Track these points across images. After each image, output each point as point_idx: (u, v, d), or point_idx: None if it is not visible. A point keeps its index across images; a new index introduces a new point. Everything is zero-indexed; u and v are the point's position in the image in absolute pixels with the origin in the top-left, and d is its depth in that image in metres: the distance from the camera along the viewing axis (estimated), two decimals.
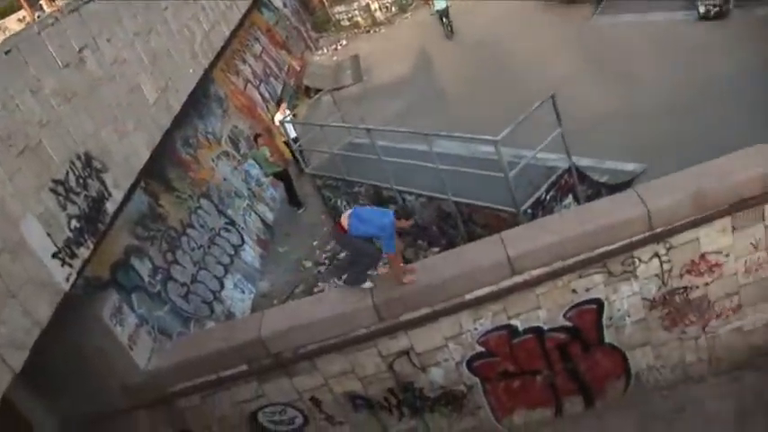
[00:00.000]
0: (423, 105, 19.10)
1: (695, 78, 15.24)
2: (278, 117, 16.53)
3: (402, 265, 8.74)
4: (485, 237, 9.09)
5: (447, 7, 23.80)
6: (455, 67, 21.43)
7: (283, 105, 17.20)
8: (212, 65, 17.63)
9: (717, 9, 18.02)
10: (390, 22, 28.40)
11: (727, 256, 8.36)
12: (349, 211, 8.59)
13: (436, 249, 12.24)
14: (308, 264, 14.17)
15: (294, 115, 19.12)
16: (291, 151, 16.41)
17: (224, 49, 19.08)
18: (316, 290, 12.92)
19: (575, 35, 20.28)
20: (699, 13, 18.34)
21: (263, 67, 22.45)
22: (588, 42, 19.48)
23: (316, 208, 15.66)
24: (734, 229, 8.21)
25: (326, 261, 13.89)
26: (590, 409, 9.38)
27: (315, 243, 14.82)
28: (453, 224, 11.71)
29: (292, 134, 15.57)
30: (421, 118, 17.01)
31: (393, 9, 28.71)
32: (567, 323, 8.61)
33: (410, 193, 12.22)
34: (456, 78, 20.50)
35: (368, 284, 8.76)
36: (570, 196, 10.79)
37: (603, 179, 11.74)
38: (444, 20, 23.94)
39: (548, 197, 10.49)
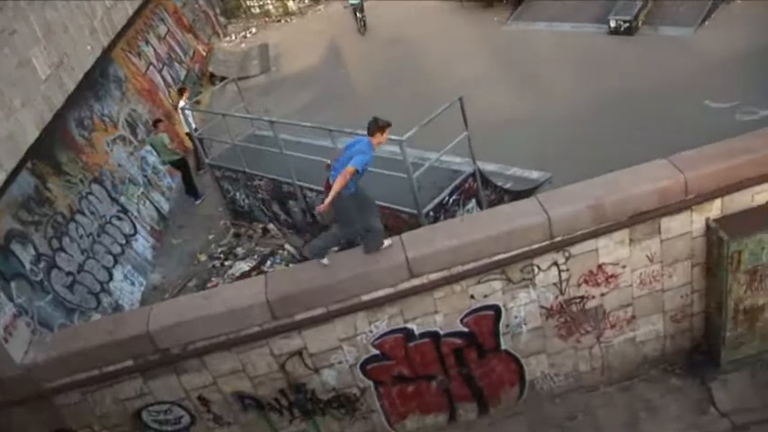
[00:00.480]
0: (330, 100, 18.97)
1: (602, 91, 15.73)
2: (181, 104, 16.08)
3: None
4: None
5: (361, 1, 23.69)
6: (366, 63, 21.40)
7: (187, 93, 16.71)
8: (113, 43, 17.00)
9: (627, 25, 18.68)
10: (303, 13, 28.09)
11: (624, 267, 8.63)
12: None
13: (335, 249, 12.13)
14: (203, 257, 13.82)
15: (197, 102, 18.64)
16: (192, 141, 16.03)
17: (126, 27, 18.41)
18: (209, 285, 12.59)
19: (488, 39, 20.60)
20: (609, 26, 18.97)
21: (167, 50, 21.77)
22: (501, 47, 19.83)
23: (214, 200, 15.31)
24: (631, 241, 8.46)
25: (222, 255, 13.58)
26: (484, 416, 9.48)
27: (211, 236, 14.48)
28: None
29: (192, 124, 15.21)
30: (327, 113, 16.88)
31: (306, 0, 28.42)
32: (464, 329, 8.66)
33: (311, 190, 12.10)
34: (366, 75, 20.48)
35: (325, 261, 8.50)
36: (473, 201, 10.89)
37: (507, 185, 11.92)
38: (358, 14, 23.83)
39: (450, 201, 10.56)
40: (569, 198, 8.39)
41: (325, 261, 8.49)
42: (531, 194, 10.08)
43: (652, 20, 19.02)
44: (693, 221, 8.52)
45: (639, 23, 18.84)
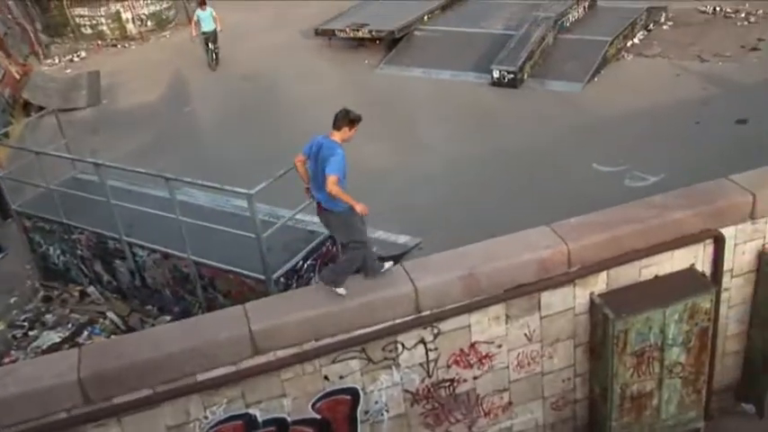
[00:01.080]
0: (171, 143, 18.69)
1: (483, 147, 16.28)
2: None
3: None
4: (227, 307, 8.89)
5: (215, 31, 23.51)
6: (216, 102, 21.30)
7: None
8: None
9: (511, 76, 19.56)
10: (144, 38, 27.72)
11: (500, 347, 8.79)
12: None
13: (168, 318, 11.83)
14: (1, 326, 13.07)
15: (5, 135, 17.90)
16: None
17: None
18: (6, 360, 11.88)
19: (358, 83, 21.01)
20: (492, 77, 19.78)
21: None
22: (372, 93, 20.22)
23: (20, 255, 14.60)
24: (508, 317, 8.65)
25: (26, 323, 12.90)
26: None
27: (12, 300, 13.72)
28: (191, 289, 11.40)
29: None
30: (167, 157, 16.61)
31: (149, 23, 28.08)
32: (316, 415, 8.52)
33: (142, 248, 11.81)
34: (215, 115, 20.37)
35: (341, 290, 8.32)
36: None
37: (372, 250, 11.95)
38: (210, 45, 23.67)
39: (305, 266, 10.52)
40: (440, 267, 8.53)
41: (341, 291, 8.32)
42: (397, 261, 10.19)
43: (538, 72, 20.04)
44: (576, 297, 8.82)
45: (525, 76, 19.77)
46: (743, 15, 22.24)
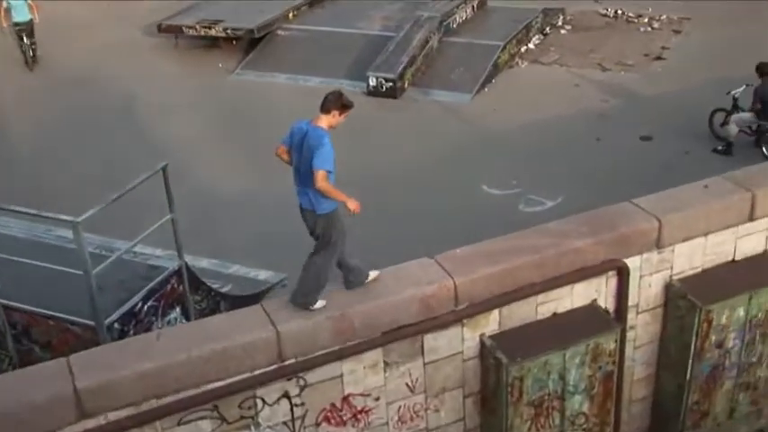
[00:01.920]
0: None
1: (358, 166, 16.23)
2: None
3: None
4: (46, 360, 8.62)
5: (31, 22, 22.85)
6: (33, 110, 20.72)
7: None
8: None
9: (390, 84, 19.75)
10: None
11: (377, 399, 8.77)
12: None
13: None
14: None
15: None
16: None
17: None
18: None
19: (210, 90, 20.83)
20: (368, 85, 19.92)
21: None
22: (226, 102, 20.10)
23: None
24: (386, 364, 8.65)
25: None
26: None
27: None
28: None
29: None
30: None
31: None
32: None
33: None
34: (33, 128, 19.81)
35: (320, 304, 8.34)
36: (178, 309, 10.67)
37: (225, 289, 11.88)
38: (25, 40, 22.96)
39: (145, 308, 10.23)
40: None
41: (318, 305, 8.36)
42: (257, 301, 10.07)
43: (421, 81, 20.34)
44: (465, 339, 8.89)
45: (406, 84, 20.01)
46: (646, 20, 23.13)
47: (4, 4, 23.15)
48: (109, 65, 22.69)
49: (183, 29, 23.29)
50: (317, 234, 8.50)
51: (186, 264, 10.68)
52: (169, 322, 10.48)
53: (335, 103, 8.28)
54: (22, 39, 23.11)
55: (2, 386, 8.10)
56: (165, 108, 19.81)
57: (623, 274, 9.31)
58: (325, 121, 8.24)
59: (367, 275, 8.68)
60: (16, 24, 22.96)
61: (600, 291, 9.39)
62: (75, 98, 20.94)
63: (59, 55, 23.49)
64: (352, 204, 8.23)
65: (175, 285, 10.62)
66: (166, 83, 21.46)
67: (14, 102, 21.25)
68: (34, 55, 23.29)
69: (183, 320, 10.69)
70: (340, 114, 8.29)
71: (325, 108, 8.28)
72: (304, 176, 8.23)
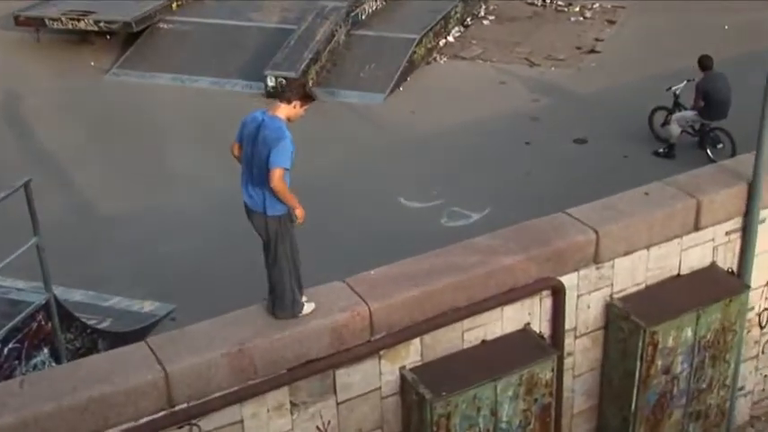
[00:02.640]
0: None
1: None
2: None
3: None
4: None
5: None
6: None
7: None
8: None
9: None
10: None
11: None
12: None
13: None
14: None
15: None
16: None
17: None
18: None
19: (82, 93, 20.52)
20: (266, 86, 19.88)
21: None
22: (102, 107, 19.83)
23: None
24: (293, 405, 8.59)
25: None
26: None
27: None
28: None
29: None
30: None
31: None
32: None
33: None
34: None
35: (308, 308, 8.46)
36: (46, 350, 10.48)
37: (104, 324, 11.71)
38: None
39: (6, 350, 10.03)
40: (199, 342, 8.32)
41: (307, 309, 8.53)
42: (142, 337, 9.94)
43: (327, 80, 20.36)
44: (383, 373, 8.89)
45: (310, 83, 19.96)
46: (577, 9, 23.46)
47: None
48: None
49: (46, 21, 22.76)
50: (268, 239, 8.45)
51: (55, 297, 10.46)
52: (35, 366, 10.27)
53: (297, 91, 8.34)
54: None
55: None
56: (27, 113, 19.48)
57: (559, 294, 9.39)
58: (283, 112, 8.21)
59: (302, 307, 8.61)
60: None
61: (533, 313, 9.46)
62: None
63: None
64: (300, 213, 8.36)
65: (43, 323, 10.40)
66: (28, 84, 21.05)
67: None
68: None
69: (53, 363, 10.48)
70: (302, 106, 8.28)
71: (285, 97, 8.30)
72: (257, 173, 8.18)
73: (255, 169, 8.20)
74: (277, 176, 7.94)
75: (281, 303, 8.51)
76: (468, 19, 23.18)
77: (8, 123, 19.29)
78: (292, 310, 8.51)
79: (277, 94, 8.12)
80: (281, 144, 7.98)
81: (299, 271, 8.59)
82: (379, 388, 8.93)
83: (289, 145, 8.03)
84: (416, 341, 8.91)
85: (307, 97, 8.35)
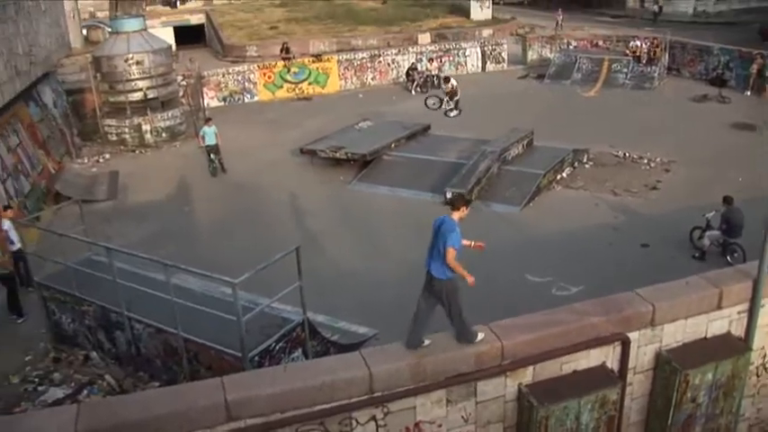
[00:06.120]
0: (171, 236, 18.41)
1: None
2: (6, 224, 15.14)
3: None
4: (208, 378, 8.60)
5: (216, 145, 23.47)
6: (212, 204, 21.13)
7: (12, 212, 15.87)
8: None
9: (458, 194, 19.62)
10: (158, 147, 27.67)
11: (440, 426, 8.54)
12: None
13: (156, 384, 11.38)
14: (15, 379, 12.50)
15: (36, 219, 17.63)
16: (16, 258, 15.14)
17: None
18: (17, 410, 11.32)
19: (333, 196, 21.04)
20: (445, 197, 19.85)
21: (14, 162, 20.67)
22: (344, 205, 20.24)
23: (37, 320, 14.11)
24: (448, 401, 8.45)
25: (36, 379, 12.37)
26: None
27: (27, 358, 13.17)
28: (178, 360, 11.02)
29: (16, 244, 14.59)
30: (167, 248, 16.34)
31: (164, 135, 28.10)
32: None
33: (140, 322, 11.47)
34: (211, 216, 20.15)
35: (480, 336, 8.53)
36: (300, 350, 10.63)
37: (334, 338, 11.74)
38: (212, 156, 23.57)
39: (277, 347, 10.24)
40: (392, 355, 8.35)
41: (480, 337, 8.52)
42: (356, 349, 9.97)
43: (484, 196, 20.19)
44: (507, 386, 8.67)
45: (473, 198, 19.86)
46: (645, 161, 22.88)
47: (201, 132, 23.94)
48: (266, 175, 23.13)
49: (318, 152, 23.59)
50: (443, 296, 8.47)
51: (308, 318, 10.65)
52: (293, 359, 10.43)
53: (460, 201, 8.63)
54: (209, 155, 23.68)
55: (178, 393, 8.12)
56: (300, 207, 20.10)
57: (626, 344, 9.05)
58: (456, 215, 8.40)
59: (476, 335, 8.56)
60: (207, 146, 23.59)
61: (608, 356, 9.10)
62: (242, 198, 21.37)
63: (234, 167, 24.02)
64: (470, 278, 8.40)
65: (299, 333, 10.60)
66: (304, 189, 21.73)
67: (202, 198, 21.76)
68: (222, 165, 23.75)
69: (303, 359, 10.61)
70: (466, 208, 8.52)
71: (455, 206, 8.50)
72: (436, 253, 8.30)
73: (436, 250, 8.22)
74: (450, 254, 8.04)
75: (462, 333, 8.47)
76: (576, 163, 22.68)
77: (289, 211, 19.95)
78: (469, 337, 8.43)
79: (451, 204, 8.25)
80: (454, 234, 8.12)
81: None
82: (504, 395, 8.72)
83: (458, 234, 8.17)
84: (530, 368, 8.70)
85: (468, 202, 8.67)
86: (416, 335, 8.49)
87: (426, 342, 8.53)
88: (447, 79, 30.76)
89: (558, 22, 46.96)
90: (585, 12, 56.67)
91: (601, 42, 39.12)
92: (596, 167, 22.64)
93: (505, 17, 52.40)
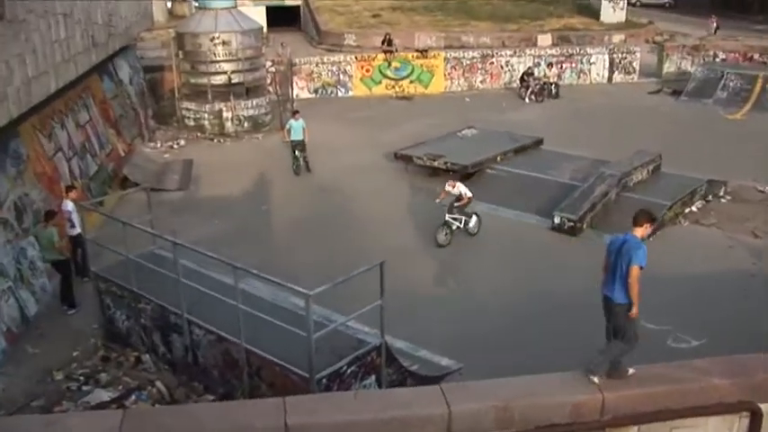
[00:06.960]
0: (244, 236, 18.84)
1: (535, 287, 15.96)
2: (69, 205, 15.83)
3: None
4: (268, 397, 8.69)
5: (303, 141, 23.90)
6: (293, 205, 21.56)
7: (75, 193, 16.57)
8: (22, 117, 16.82)
9: (571, 224, 19.32)
10: (239, 137, 28.43)
11: None
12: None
13: (211, 397, 11.62)
14: (59, 375, 13.01)
15: (100, 203, 18.33)
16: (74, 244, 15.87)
17: (44, 103, 18.32)
18: (57, 408, 11.78)
19: (426, 209, 20.99)
20: (553, 222, 19.60)
21: (82, 140, 21.58)
22: (437, 221, 20.16)
23: (90, 314, 14.66)
24: None
25: (81, 378, 12.84)
26: None
27: (75, 354, 13.71)
28: (238, 374, 11.23)
29: (77, 228, 15.31)
30: (238, 248, 16.69)
31: (246, 125, 28.85)
32: None
33: (200, 327, 11.76)
34: (290, 218, 20.56)
35: (632, 370, 8.75)
36: (373, 377, 10.67)
37: (413, 368, 11.73)
38: (297, 152, 23.99)
39: (348, 371, 10.31)
40: (476, 394, 8.28)
41: (631, 371, 8.75)
42: (436, 382, 9.92)
43: (598, 224, 19.79)
44: None
45: (584, 225, 19.53)
46: None
47: (287, 125, 24.40)
48: (354, 179, 23.39)
49: (414, 158, 23.68)
50: (620, 320, 8.76)
51: (386, 342, 10.68)
52: (365, 386, 10.46)
53: (644, 217, 8.81)
54: (294, 152, 24.11)
55: (234, 410, 8.29)
56: (390, 217, 20.18)
57: (756, 416, 8.60)
58: (639, 232, 8.67)
59: (627, 371, 8.68)
60: (293, 141, 24.00)
61: (732, 428, 8.70)
62: (325, 201, 21.71)
63: (321, 167, 24.39)
64: (636, 309, 8.63)
65: (375, 358, 10.64)
66: (395, 198, 21.87)
67: (282, 198, 22.23)
68: (307, 164, 24.20)
69: (376, 387, 10.63)
70: (650, 225, 8.78)
71: (638, 223, 8.75)
72: (620, 273, 8.53)
73: (619, 272, 8.53)
74: (635, 271, 8.38)
75: (615, 366, 8.65)
76: (710, 196, 21.97)
77: (375, 220, 20.07)
78: (620, 372, 8.61)
79: (634, 222, 8.46)
80: (640, 250, 8.46)
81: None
82: None
83: (645, 250, 8.48)
84: (635, 428, 8.49)
85: (653, 220, 8.98)
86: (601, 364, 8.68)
87: (631, 371, 8.73)
88: (459, 198, 19.93)
89: (713, 29, 45.66)
90: (743, 18, 54.73)
91: (756, 56, 37.79)
92: (735, 203, 21.87)
93: (641, 21, 51.48)
